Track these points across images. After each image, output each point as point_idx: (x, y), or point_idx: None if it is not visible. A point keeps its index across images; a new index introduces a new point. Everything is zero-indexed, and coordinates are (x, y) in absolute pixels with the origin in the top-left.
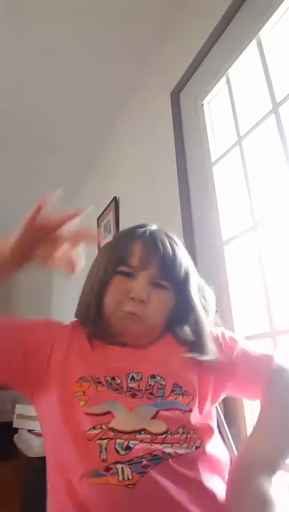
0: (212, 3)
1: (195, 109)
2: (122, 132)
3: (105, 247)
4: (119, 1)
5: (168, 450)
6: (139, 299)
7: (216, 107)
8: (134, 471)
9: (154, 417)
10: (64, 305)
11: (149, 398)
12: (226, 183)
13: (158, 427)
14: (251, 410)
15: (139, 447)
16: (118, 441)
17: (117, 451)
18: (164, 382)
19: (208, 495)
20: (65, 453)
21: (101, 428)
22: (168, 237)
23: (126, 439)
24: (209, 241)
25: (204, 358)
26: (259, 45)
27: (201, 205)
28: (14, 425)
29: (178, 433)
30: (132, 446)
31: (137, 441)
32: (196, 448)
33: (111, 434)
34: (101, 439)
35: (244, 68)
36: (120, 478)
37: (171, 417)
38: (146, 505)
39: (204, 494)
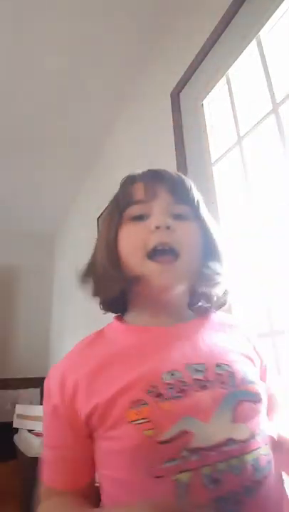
0: (212, 3)
1: (195, 109)
2: (122, 132)
3: (106, 208)
4: (119, 1)
5: (259, 477)
6: (165, 225)
7: (216, 107)
8: None
9: (234, 420)
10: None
11: (221, 388)
12: (226, 183)
13: (242, 432)
14: None
15: (228, 478)
16: (204, 469)
17: (205, 486)
18: (231, 370)
19: None
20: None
21: (181, 458)
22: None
23: (212, 465)
24: None
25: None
26: (259, 45)
27: None
28: (14, 425)
29: (259, 434)
30: (220, 477)
31: (224, 465)
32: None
33: (194, 459)
34: (183, 471)
35: (244, 68)
36: None
37: (249, 414)
38: None
39: None
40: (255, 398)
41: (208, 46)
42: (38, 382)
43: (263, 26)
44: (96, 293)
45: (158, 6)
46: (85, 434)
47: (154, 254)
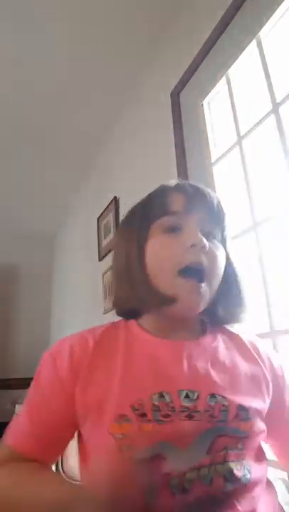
0: (212, 3)
1: (195, 109)
2: (122, 132)
3: (126, 217)
4: (119, 1)
5: (229, 488)
6: (201, 245)
7: (216, 107)
8: None
9: (208, 452)
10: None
11: (209, 422)
12: (226, 183)
13: (216, 455)
14: None
15: (198, 487)
16: (173, 481)
17: (172, 493)
18: (226, 403)
19: None
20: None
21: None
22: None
23: (182, 475)
24: None
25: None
26: (259, 45)
27: None
28: None
29: (237, 448)
30: (188, 487)
31: (193, 475)
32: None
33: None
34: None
35: (244, 68)
36: None
37: (227, 447)
38: None
39: None
40: (243, 435)
41: (208, 46)
42: None
43: (263, 26)
44: (117, 304)
45: (158, 6)
46: (73, 415)
47: (186, 272)
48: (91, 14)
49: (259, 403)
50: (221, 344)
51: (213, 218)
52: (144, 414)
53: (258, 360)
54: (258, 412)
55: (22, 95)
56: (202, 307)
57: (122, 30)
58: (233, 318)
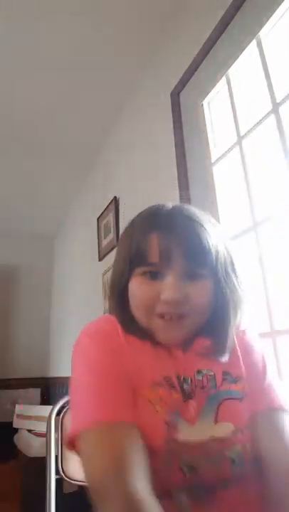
0: (212, 3)
1: (195, 109)
2: (122, 132)
3: (120, 241)
4: (119, 2)
5: (236, 470)
6: (174, 302)
7: (216, 107)
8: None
9: (216, 420)
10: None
11: (202, 392)
12: (226, 183)
13: (225, 429)
14: None
15: (206, 468)
16: (184, 457)
17: (182, 471)
18: (212, 373)
19: None
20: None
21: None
22: (187, 217)
23: (191, 454)
24: None
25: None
26: (259, 45)
27: (201, 205)
28: (14, 425)
29: (243, 431)
30: (196, 467)
31: (203, 457)
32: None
33: (174, 445)
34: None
35: (244, 68)
36: None
37: (232, 412)
38: None
39: None
40: (238, 395)
41: (208, 46)
42: (38, 382)
43: (263, 26)
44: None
45: (158, 6)
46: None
47: (162, 315)
48: (91, 14)
49: (241, 369)
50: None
51: (195, 264)
52: (172, 385)
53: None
54: (241, 374)
55: (22, 95)
56: (183, 338)
57: (122, 30)
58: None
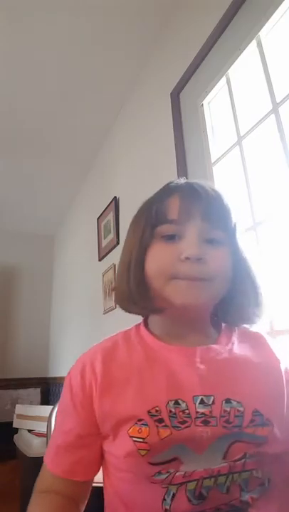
0: (212, 3)
1: (195, 109)
2: (122, 132)
3: (137, 214)
4: (119, 1)
5: (245, 497)
6: (196, 257)
7: (216, 107)
8: None
9: (224, 458)
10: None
11: (224, 427)
12: (226, 183)
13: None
14: None
15: (214, 495)
16: (190, 485)
17: (189, 500)
18: (241, 409)
19: None
20: (127, 494)
21: (168, 472)
22: (208, 185)
23: (199, 480)
24: None
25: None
26: (259, 45)
27: None
28: (14, 425)
29: (256, 456)
30: (205, 493)
31: (210, 482)
32: (268, 482)
33: (180, 475)
34: (170, 484)
35: (244, 68)
36: None
37: (246, 448)
38: None
39: None
40: (259, 441)
41: (208, 46)
42: (38, 382)
43: (263, 26)
44: (120, 306)
45: (158, 6)
46: (92, 430)
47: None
48: (91, 14)
49: (278, 407)
50: (236, 346)
51: (214, 224)
52: (161, 420)
53: (280, 362)
54: (277, 416)
55: (21, 95)
56: (203, 301)
57: (122, 30)
58: (249, 317)
